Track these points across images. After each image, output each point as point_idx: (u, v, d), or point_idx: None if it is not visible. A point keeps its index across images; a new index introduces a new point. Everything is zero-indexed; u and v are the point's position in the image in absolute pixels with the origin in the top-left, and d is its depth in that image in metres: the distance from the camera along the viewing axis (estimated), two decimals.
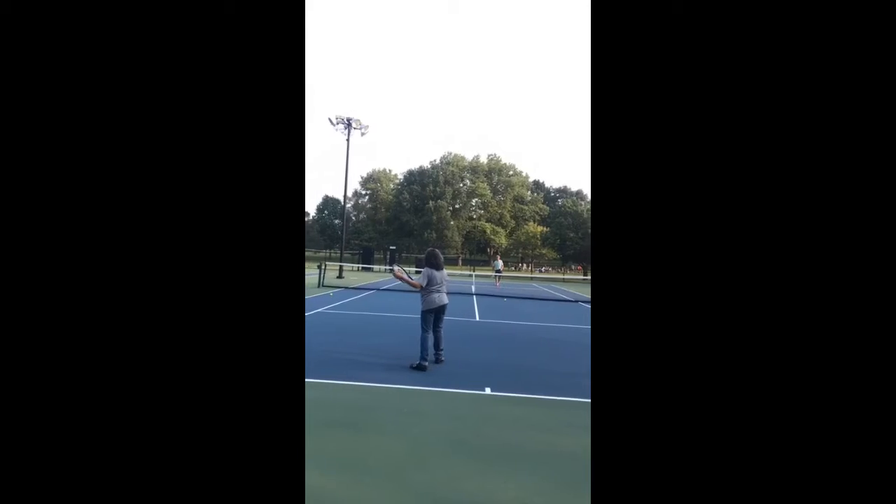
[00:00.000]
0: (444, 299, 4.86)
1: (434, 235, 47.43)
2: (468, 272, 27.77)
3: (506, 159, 54.95)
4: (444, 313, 4.91)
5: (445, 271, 4.97)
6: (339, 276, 20.01)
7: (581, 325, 8.62)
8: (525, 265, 46.79)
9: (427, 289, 4.73)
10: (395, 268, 5.07)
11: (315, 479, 2.33)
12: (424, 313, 4.78)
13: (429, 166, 52.65)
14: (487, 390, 4.01)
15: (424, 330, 4.75)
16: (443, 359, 4.90)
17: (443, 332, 4.98)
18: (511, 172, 53.68)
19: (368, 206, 56.55)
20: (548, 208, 52.20)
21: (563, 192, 56.19)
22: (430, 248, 5.31)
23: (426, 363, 4.62)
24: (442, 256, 5.09)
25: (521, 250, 47.30)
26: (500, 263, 22.47)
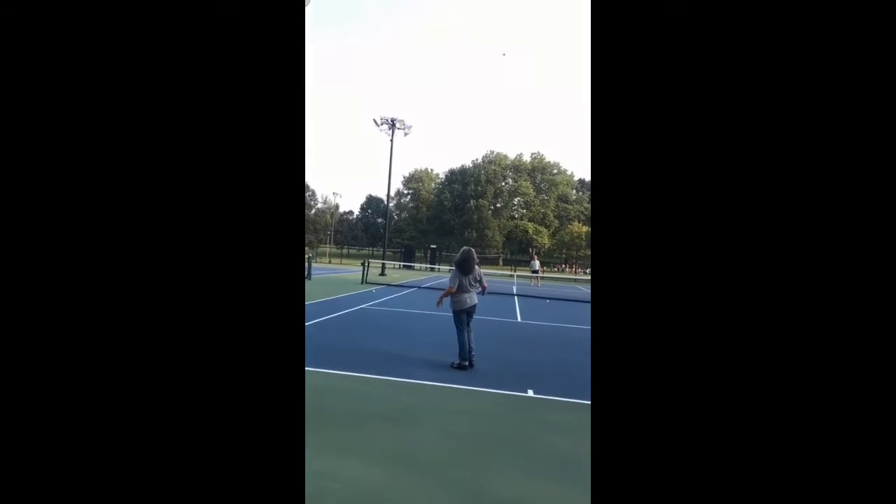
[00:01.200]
0: (475, 299, 4.82)
1: (475, 234, 47.37)
2: (509, 272, 27.58)
3: (550, 157, 54.13)
4: (473, 314, 4.82)
5: (479, 269, 4.86)
6: (382, 274, 20.42)
7: None
8: (569, 266, 45.83)
9: (458, 290, 4.72)
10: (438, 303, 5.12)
11: (363, 469, 2.41)
12: (456, 313, 4.76)
13: (470, 165, 52.62)
14: (530, 392, 3.98)
15: (459, 331, 4.72)
16: (474, 363, 4.73)
17: (473, 333, 4.81)
18: (555, 171, 52.59)
19: (410, 205, 57.19)
20: None
21: None
22: (464, 248, 4.97)
23: (466, 363, 4.65)
24: (476, 257, 4.87)
25: (564, 251, 46.35)
26: (536, 263, 24.18)
